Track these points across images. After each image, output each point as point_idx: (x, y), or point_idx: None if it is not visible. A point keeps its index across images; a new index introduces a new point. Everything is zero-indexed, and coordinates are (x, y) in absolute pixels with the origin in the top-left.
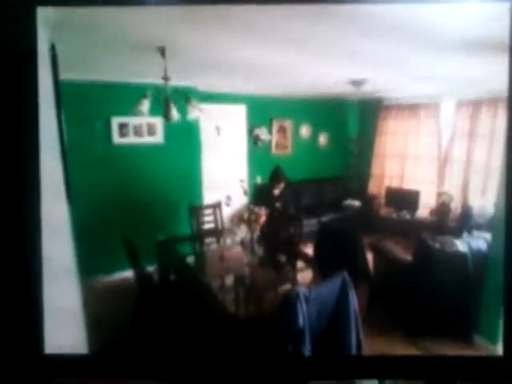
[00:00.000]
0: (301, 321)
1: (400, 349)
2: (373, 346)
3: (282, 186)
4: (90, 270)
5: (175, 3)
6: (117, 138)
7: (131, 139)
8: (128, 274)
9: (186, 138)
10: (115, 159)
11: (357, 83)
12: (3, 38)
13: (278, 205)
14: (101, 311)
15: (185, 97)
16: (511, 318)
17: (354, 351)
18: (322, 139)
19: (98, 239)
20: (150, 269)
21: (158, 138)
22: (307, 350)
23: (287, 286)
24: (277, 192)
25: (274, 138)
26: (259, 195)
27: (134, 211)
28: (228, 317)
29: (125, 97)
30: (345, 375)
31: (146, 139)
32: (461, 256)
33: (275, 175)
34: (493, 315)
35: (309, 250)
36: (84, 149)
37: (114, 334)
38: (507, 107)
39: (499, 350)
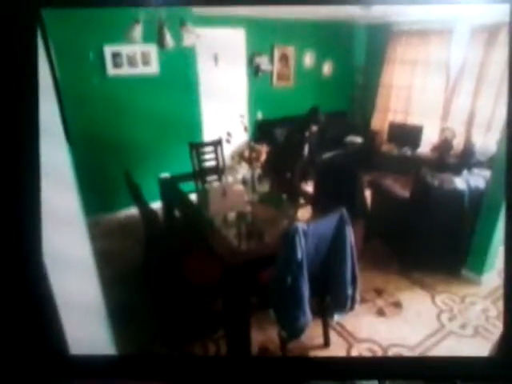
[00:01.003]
0: (299, 254)
1: (394, 282)
2: (368, 280)
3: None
4: (94, 209)
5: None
6: (111, 70)
7: (125, 70)
8: (133, 211)
9: (182, 69)
10: (111, 93)
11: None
12: None
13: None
14: (108, 248)
15: (180, 21)
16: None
17: (349, 284)
18: (327, 69)
19: (100, 178)
20: (154, 205)
21: (153, 68)
22: (304, 282)
23: (287, 222)
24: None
25: (276, 67)
26: (260, 132)
27: (135, 148)
28: (231, 250)
29: (116, 23)
30: (344, 375)
31: (141, 70)
32: (458, 193)
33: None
34: (481, 251)
35: (309, 187)
36: (79, 84)
37: (123, 269)
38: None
39: (484, 281)
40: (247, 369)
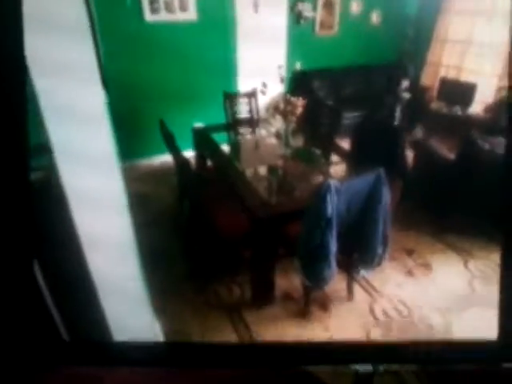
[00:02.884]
0: (329, 211)
1: (426, 244)
2: (400, 240)
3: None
4: (130, 153)
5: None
6: (148, 15)
7: (163, 16)
8: (167, 158)
9: (220, 15)
10: (148, 40)
11: None
12: None
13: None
14: (143, 192)
15: None
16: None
17: (379, 244)
18: (375, 18)
19: (135, 124)
20: (187, 154)
21: (191, 14)
22: (333, 239)
23: (320, 178)
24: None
25: (319, 14)
26: (297, 84)
27: (170, 96)
28: (261, 203)
29: None
30: (339, 360)
31: (179, 16)
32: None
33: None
34: None
35: (345, 144)
36: (116, 29)
37: (156, 214)
38: None
39: None
40: (242, 353)
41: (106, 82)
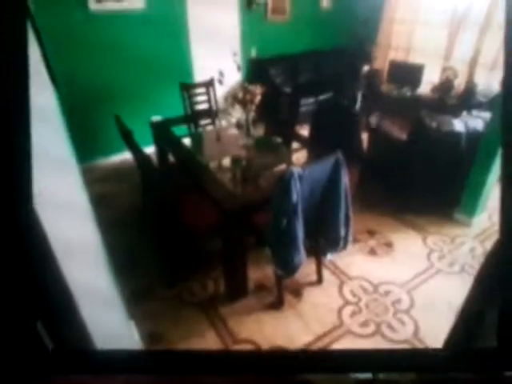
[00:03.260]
0: (294, 198)
1: (386, 224)
2: (361, 222)
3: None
4: (87, 154)
5: None
6: (93, 3)
7: (109, 5)
8: (127, 155)
9: (169, 3)
10: (96, 32)
11: None
12: None
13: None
14: (105, 193)
15: None
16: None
17: (342, 226)
18: (325, 2)
19: (90, 123)
20: (148, 150)
21: (139, 2)
22: (299, 224)
23: (282, 166)
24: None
25: None
26: (254, 71)
27: (123, 90)
28: (227, 194)
29: None
30: (338, 369)
31: (126, 5)
32: (456, 136)
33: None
34: (475, 194)
35: (305, 131)
36: (58, 21)
37: (121, 213)
38: None
39: (474, 223)
40: (240, 362)
41: (55, 80)
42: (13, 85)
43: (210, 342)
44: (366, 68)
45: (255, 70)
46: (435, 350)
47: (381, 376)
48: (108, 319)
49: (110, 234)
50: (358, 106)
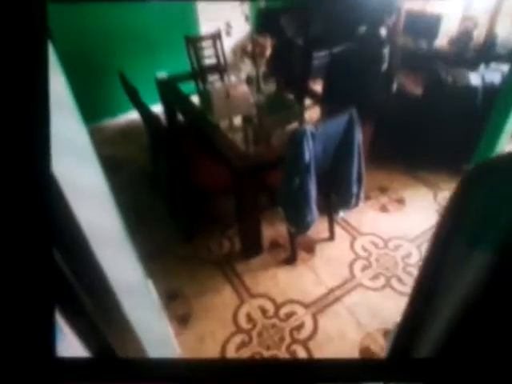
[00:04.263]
0: (307, 156)
1: (398, 180)
2: (373, 179)
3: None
4: (93, 115)
5: None
6: None
7: None
8: (134, 115)
9: None
10: None
11: None
12: None
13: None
14: (113, 153)
15: None
16: None
17: (355, 183)
18: None
19: (95, 82)
20: (155, 108)
21: None
22: (312, 183)
23: (295, 124)
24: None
25: None
26: (264, 22)
27: (127, 47)
28: (239, 154)
29: None
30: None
31: None
32: (472, 90)
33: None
34: (488, 150)
35: (318, 86)
36: None
37: (131, 175)
38: None
39: None
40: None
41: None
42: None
43: (226, 297)
44: (390, 19)
45: (265, 21)
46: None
47: None
48: (125, 272)
49: (122, 195)
50: (375, 59)
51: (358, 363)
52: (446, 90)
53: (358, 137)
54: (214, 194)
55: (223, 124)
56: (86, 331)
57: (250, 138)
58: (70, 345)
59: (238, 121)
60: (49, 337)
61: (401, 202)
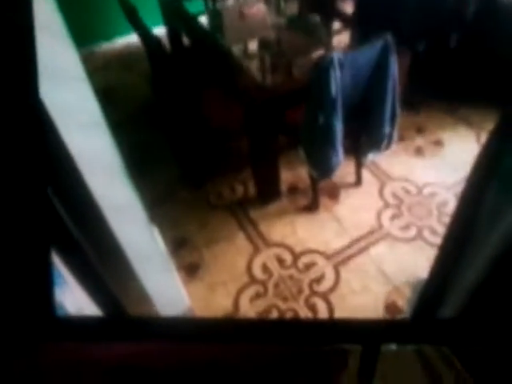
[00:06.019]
0: (333, 89)
1: (437, 120)
2: (408, 117)
3: None
4: (86, 38)
5: None
6: None
7: None
8: (132, 38)
9: None
10: None
11: None
12: None
13: None
14: (109, 83)
15: None
16: None
17: (388, 122)
18: None
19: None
20: (157, 31)
21: None
22: (338, 121)
23: (320, 51)
24: None
25: None
26: None
27: None
28: (255, 85)
29: None
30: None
31: None
32: None
33: None
34: None
35: (348, 7)
36: None
37: (130, 108)
38: None
39: None
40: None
41: None
42: None
43: (239, 245)
44: None
45: None
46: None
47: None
48: (127, 217)
49: (119, 132)
50: None
51: (380, 324)
52: (500, 11)
53: (394, 68)
54: (225, 131)
55: (236, 49)
56: (89, 282)
57: (267, 67)
58: (74, 296)
59: (253, 46)
60: (45, 283)
61: (438, 144)
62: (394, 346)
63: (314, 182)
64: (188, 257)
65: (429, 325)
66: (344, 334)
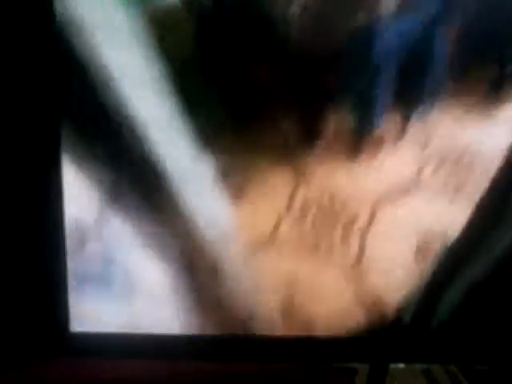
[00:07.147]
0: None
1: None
2: None
3: None
4: None
5: None
6: None
7: None
8: None
9: None
10: None
11: None
12: None
13: None
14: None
15: None
16: None
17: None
18: None
19: None
20: None
21: None
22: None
23: (363, 15)
24: None
25: None
26: None
27: None
28: (295, 47)
29: None
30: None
31: None
32: None
33: None
34: None
35: None
36: None
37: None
38: None
39: None
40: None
41: None
42: None
43: (282, 175)
44: None
45: None
46: None
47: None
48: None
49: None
50: None
51: (388, 342)
52: None
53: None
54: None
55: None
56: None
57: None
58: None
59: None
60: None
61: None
62: (402, 365)
63: (356, 130)
64: (230, 182)
65: (438, 343)
66: (351, 352)
